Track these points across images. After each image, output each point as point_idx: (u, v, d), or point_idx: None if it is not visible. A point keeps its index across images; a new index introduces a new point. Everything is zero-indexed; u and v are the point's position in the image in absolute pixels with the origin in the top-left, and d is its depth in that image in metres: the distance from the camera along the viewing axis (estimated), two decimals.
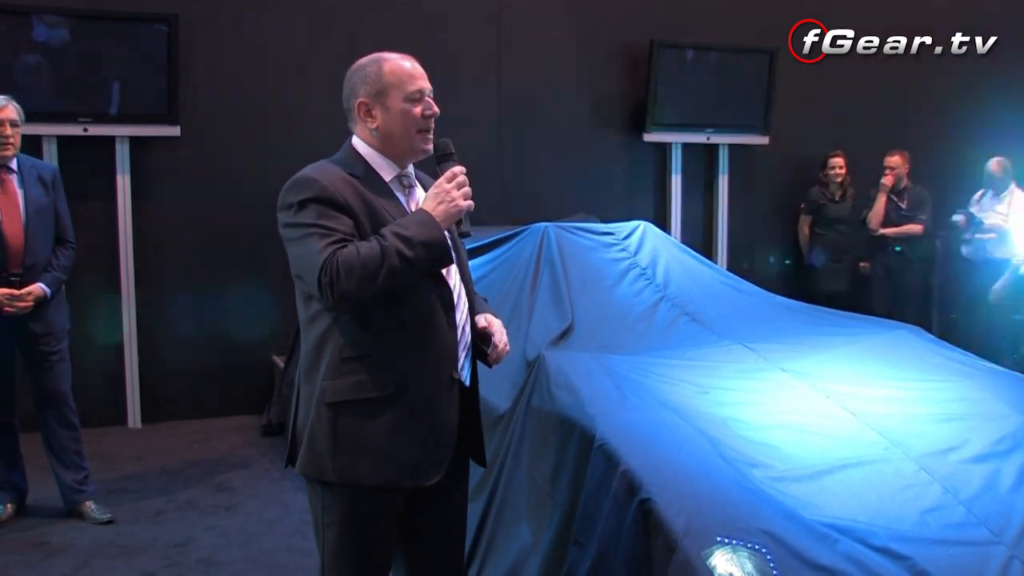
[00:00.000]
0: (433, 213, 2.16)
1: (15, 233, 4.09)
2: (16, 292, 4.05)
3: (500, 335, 2.39)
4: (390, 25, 6.32)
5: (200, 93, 6.00)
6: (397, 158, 2.31)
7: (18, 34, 5.44)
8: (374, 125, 2.27)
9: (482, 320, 2.41)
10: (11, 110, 4.09)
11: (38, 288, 4.10)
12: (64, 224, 4.31)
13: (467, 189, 2.21)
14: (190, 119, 5.91)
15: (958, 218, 6.82)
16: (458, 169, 2.23)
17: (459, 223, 2.23)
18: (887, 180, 7.05)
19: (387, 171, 2.30)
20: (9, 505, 4.30)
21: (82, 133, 5.61)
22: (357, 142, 2.32)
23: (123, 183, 5.84)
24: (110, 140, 5.78)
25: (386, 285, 2.09)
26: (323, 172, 2.20)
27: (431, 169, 2.36)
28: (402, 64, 2.28)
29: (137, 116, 5.75)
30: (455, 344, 2.29)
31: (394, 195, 2.29)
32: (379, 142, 2.29)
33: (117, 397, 5.94)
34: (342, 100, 2.33)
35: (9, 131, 4.06)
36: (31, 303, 4.08)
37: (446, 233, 2.18)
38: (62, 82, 5.54)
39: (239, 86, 6.13)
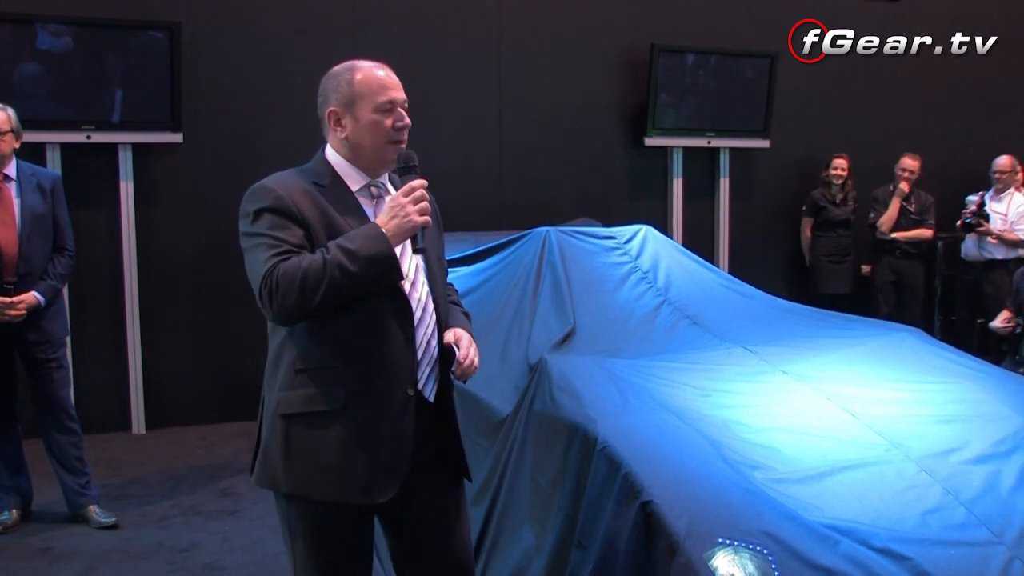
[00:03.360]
0: (385, 227, 2.10)
1: (9, 241, 4.11)
2: (8, 300, 4.06)
3: (466, 350, 2.27)
4: (391, 32, 6.35)
5: (202, 100, 6.03)
6: (367, 168, 2.26)
7: (22, 42, 5.47)
8: (344, 135, 2.23)
9: (449, 335, 2.30)
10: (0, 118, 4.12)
11: (31, 297, 4.11)
12: (63, 232, 4.31)
13: (424, 204, 2.13)
14: (192, 126, 5.95)
15: (974, 197, 6.86)
16: (417, 183, 2.15)
17: (414, 239, 2.15)
18: (905, 186, 7.05)
19: (355, 180, 2.26)
20: (14, 511, 4.32)
21: (85, 140, 5.64)
22: (328, 150, 2.28)
23: (126, 190, 5.86)
24: (113, 147, 5.81)
25: (327, 300, 2.05)
26: (281, 182, 2.17)
27: None
28: (375, 73, 2.23)
29: (140, 123, 5.78)
30: (412, 360, 2.22)
31: (358, 206, 2.23)
32: (349, 152, 2.25)
33: (121, 403, 5.96)
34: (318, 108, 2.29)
35: None
36: (23, 312, 4.08)
37: (403, 247, 2.15)
38: (65, 90, 5.57)
39: (241, 92, 6.16)
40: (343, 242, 2.08)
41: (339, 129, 2.24)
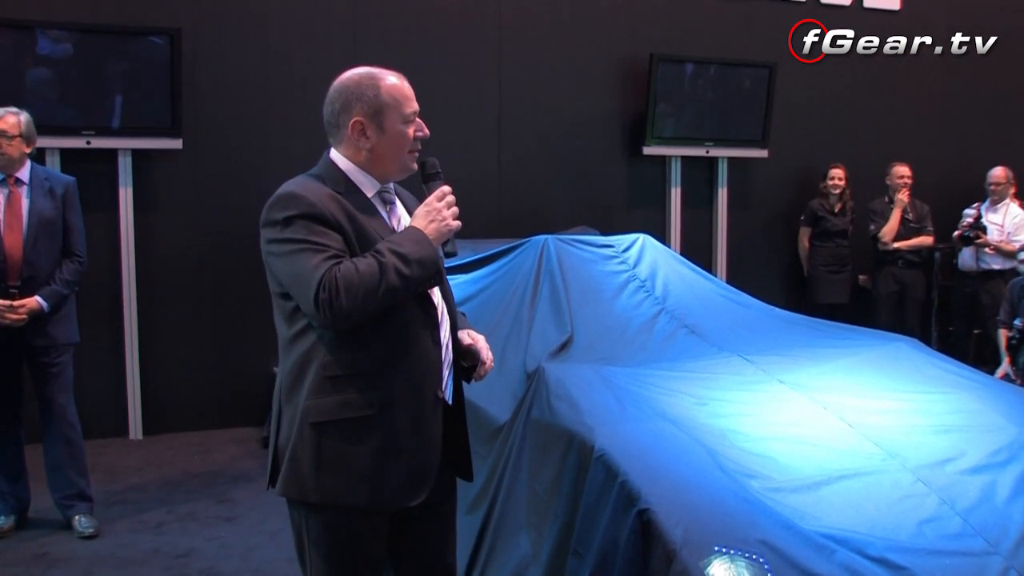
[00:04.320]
0: (425, 231, 2.17)
1: (14, 244, 4.09)
2: (8, 303, 4.03)
3: (486, 352, 2.38)
4: (390, 41, 6.37)
5: (202, 106, 6.04)
6: (382, 176, 2.28)
7: (22, 48, 5.48)
8: (368, 145, 2.23)
9: (467, 337, 2.39)
10: (7, 122, 4.11)
11: (33, 301, 4.08)
12: (73, 238, 4.28)
13: (455, 209, 2.22)
14: (192, 132, 5.95)
15: (970, 210, 6.88)
16: (447, 188, 2.24)
17: (445, 243, 2.22)
18: (904, 195, 7.06)
19: (368, 187, 2.26)
20: (11, 517, 4.30)
21: (85, 146, 5.64)
22: (337, 157, 2.26)
23: (125, 195, 5.87)
24: (113, 153, 5.81)
25: (384, 302, 2.08)
26: (308, 188, 2.16)
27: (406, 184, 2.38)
28: (397, 83, 2.25)
29: (139, 129, 5.78)
30: (439, 362, 2.27)
31: (377, 211, 2.26)
32: (367, 160, 2.25)
33: (118, 408, 5.95)
34: (325, 114, 2.27)
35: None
36: (23, 316, 4.06)
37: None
38: (65, 95, 5.57)
39: (241, 99, 6.17)
40: (393, 246, 2.11)
41: (363, 140, 2.22)
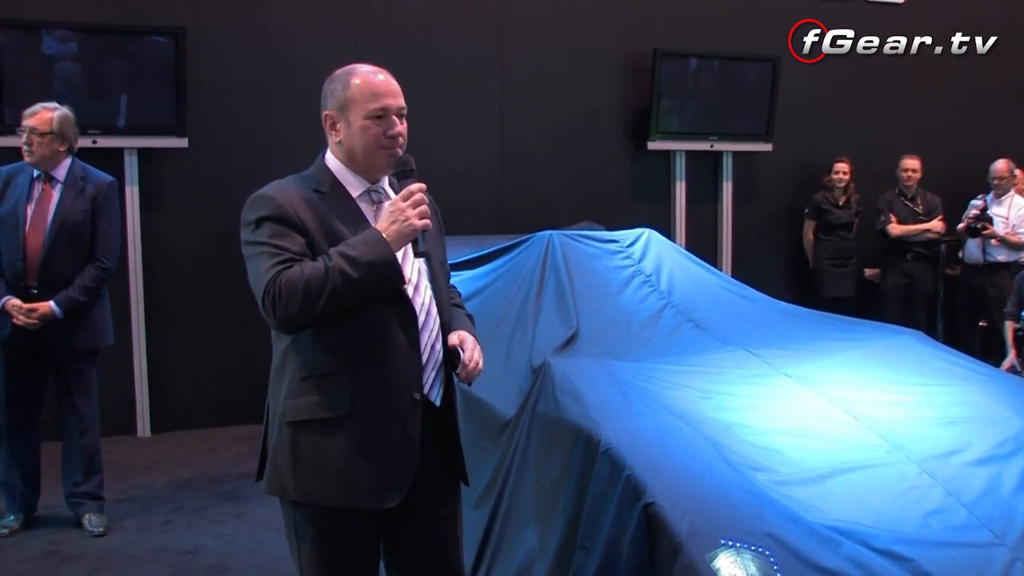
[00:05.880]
0: (384, 232, 2.11)
1: (35, 245, 4.04)
2: (20, 305, 3.99)
3: (471, 352, 2.28)
4: (394, 37, 6.37)
5: (207, 105, 6.05)
6: (364, 174, 2.26)
7: (28, 48, 5.51)
8: (337, 139, 2.24)
9: (454, 337, 2.31)
10: (40, 119, 4.04)
11: (45, 306, 4.01)
12: (101, 242, 4.17)
13: (424, 208, 2.14)
14: (197, 130, 5.97)
15: (977, 201, 6.87)
16: (416, 187, 2.16)
17: (415, 243, 2.16)
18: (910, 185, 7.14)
19: (355, 186, 2.25)
20: (20, 515, 4.31)
21: (91, 145, 5.65)
22: (328, 156, 2.28)
23: (131, 194, 5.88)
24: (119, 152, 5.83)
25: (329, 307, 2.06)
26: (281, 189, 2.18)
27: None
28: (371, 79, 2.22)
29: (145, 128, 5.81)
30: (417, 364, 2.22)
31: (359, 212, 2.24)
32: (345, 157, 2.25)
33: (126, 406, 5.98)
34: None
35: (27, 137, 4.02)
36: (35, 321, 4.00)
37: (404, 252, 2.15)
38: (71, 95, 5.57)
39: (245, 98, 6.18)
40: (344, 248, 2.09)
41: (334, 133, 2.24)
